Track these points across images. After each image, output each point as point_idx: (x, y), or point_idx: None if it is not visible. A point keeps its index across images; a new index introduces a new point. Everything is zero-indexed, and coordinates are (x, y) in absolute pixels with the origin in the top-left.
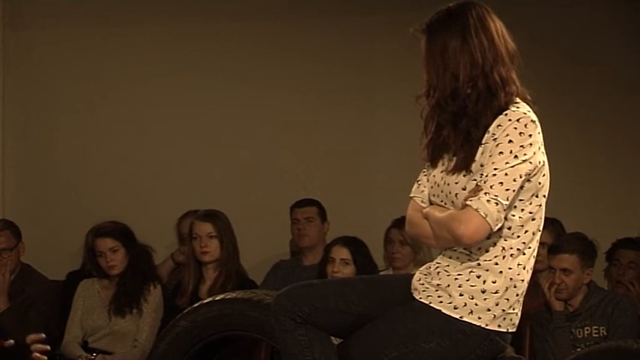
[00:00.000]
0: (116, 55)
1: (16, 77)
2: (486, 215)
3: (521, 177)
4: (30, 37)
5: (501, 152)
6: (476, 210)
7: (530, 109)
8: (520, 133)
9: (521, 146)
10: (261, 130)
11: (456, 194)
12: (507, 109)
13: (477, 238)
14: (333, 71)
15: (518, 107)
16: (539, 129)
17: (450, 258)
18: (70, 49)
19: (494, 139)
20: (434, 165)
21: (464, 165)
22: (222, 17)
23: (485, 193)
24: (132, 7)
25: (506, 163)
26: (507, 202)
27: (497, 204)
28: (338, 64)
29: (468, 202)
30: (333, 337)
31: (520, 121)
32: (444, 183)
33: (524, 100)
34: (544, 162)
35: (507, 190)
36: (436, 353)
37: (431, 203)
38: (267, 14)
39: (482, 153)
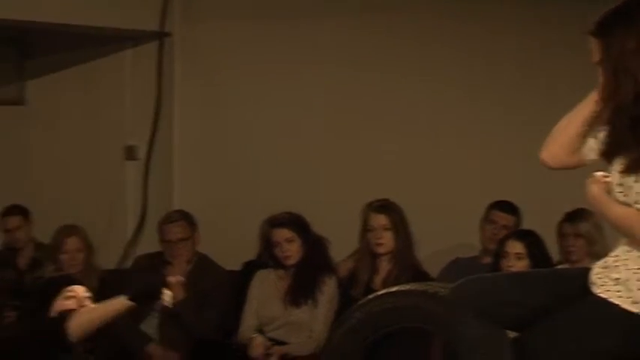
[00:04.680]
0: (284, 49)
1: (192, 71)
2: None
3: None
4: (203, 31)
5: None
6: None
7: None
8: None
9: None
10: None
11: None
12: None
13: None
14: (512, 73)
15: None
16: None
17: (630, 252)
18: (239, 41)
19: None
20: (610, 162)
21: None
22: (382, 10)
23: None
24: (301, 2)
25: None
26: None
27: None
28: (517, 65)
29: None
30: (508, 331)
31: None
32: (624, 184)
33: None
34: None
35: None
36: (613, 347)
37: None
38: (422, 6)
39: None
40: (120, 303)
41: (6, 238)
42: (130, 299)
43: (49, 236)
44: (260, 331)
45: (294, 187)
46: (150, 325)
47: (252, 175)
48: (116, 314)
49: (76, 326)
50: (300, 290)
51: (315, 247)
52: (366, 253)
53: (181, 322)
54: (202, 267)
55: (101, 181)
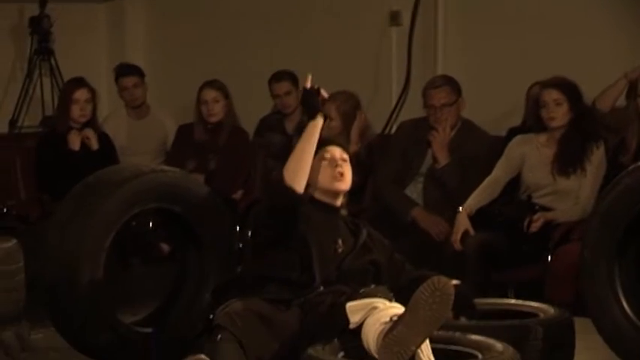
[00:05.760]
0: None
1: None
2: None
3: None
4: None
5: None
6: None
7: None
8: None
9: None
10: None
11: None
12: None
13: None
14: None
15: None
16: None
17: None
18: None
19: None
20: None
21: None
22: None
23: None
24: None
25: None
26: None
27: None
28: None
29: None
30: None
31: None
32: None
33: None
34: None
35: None
36: None
37: None
38: None
39: None
40: (312, 126)
41: (276, 103)
42: (310, 116)
43: None
44: (528, 196)
45: (561, 52)
46: (414, 190)
47: (518, 40)
48: (315, 138)
49: (288, 176)
50: (568, 159)
51: (583, 115)
52: (636, 119)
53: (445, 186)
54: (466, 132)
55: (366, 47)
